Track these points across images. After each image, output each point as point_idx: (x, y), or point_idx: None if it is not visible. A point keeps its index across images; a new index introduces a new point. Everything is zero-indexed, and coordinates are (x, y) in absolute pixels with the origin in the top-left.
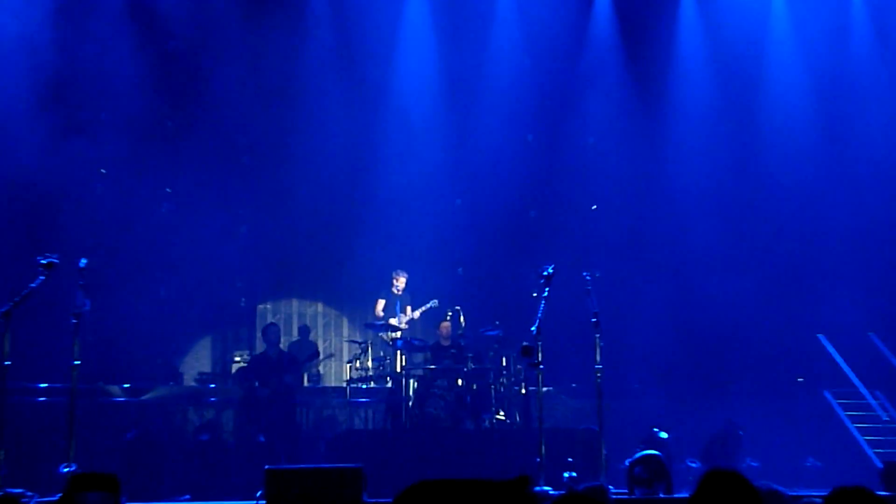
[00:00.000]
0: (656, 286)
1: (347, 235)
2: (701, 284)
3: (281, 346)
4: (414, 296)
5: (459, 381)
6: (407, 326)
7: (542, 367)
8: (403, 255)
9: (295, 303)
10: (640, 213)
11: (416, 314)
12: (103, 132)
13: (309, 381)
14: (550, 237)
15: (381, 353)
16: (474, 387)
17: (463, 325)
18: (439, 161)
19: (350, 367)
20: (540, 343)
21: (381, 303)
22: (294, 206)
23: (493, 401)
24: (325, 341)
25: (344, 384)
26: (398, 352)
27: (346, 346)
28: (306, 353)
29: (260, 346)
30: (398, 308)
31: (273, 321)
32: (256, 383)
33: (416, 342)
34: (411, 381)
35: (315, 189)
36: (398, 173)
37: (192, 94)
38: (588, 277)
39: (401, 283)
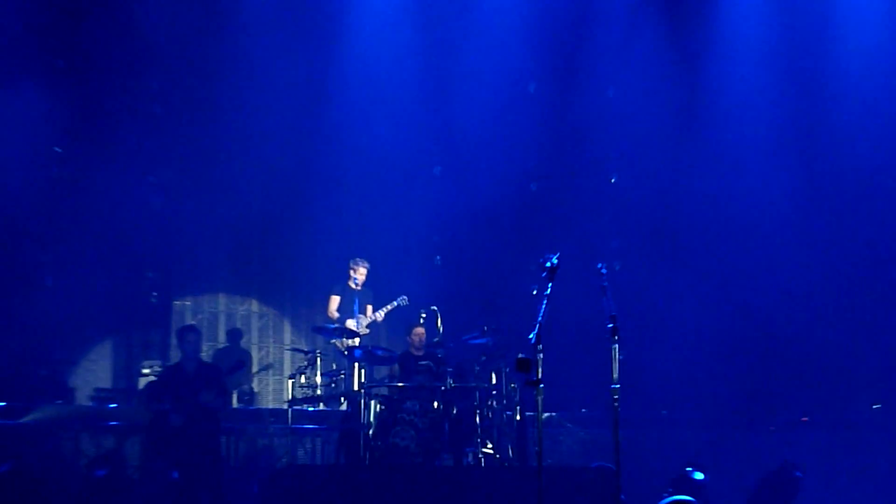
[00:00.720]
0: (691, 283)
1: (293, 213)
2: (748, 282)
3: (203, 355)
4: (377, 292)
5: (436, 404)
6: (368, 331)
7: (542, 385)
8: (364, 241)
9: (222, 299)
10: (671, 188)
11: (380, 315)
12: None
13: (239, 401)
14: (556, 218)
15: (334, 366)
16: (455, 411)
17: (441, 330)
18: (413, 118)
19: (293, 383)
20: (540, 355)
21: (335, 300)
22: (225, 174)
23: (479, 429)
24: (260, 349)
25: (285, 405)
26: (356, 364)
27: (287, 355)
28: (236, 364)
29: (176, 356)
30: (356, 307)
31: (193, 323)
32: (169, 404)
33: (380, 352)
34: (373, 402)
35: (253, 153)
36: (360, 134)
37: (86, 32)
38: (604, 271)
39: (360, 274)
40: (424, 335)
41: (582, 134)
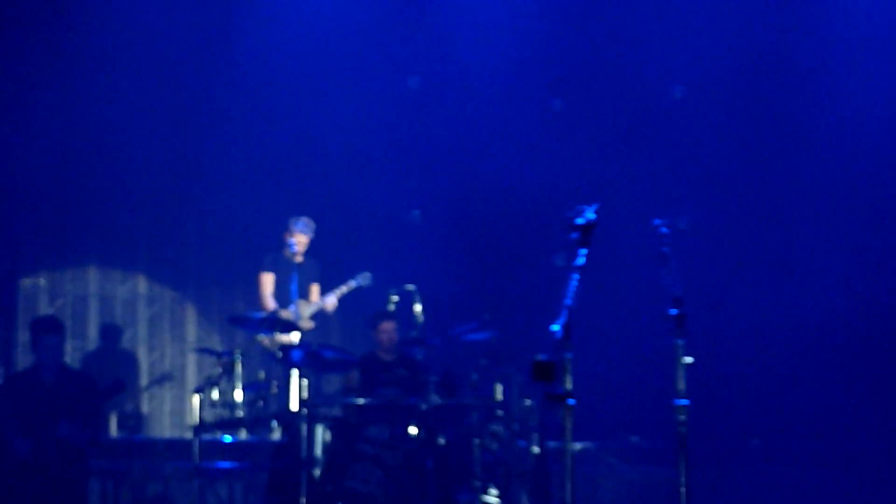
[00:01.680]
0: (793, 258)
1: (198, 150)
2: (876, 267)
3: (66, 359)
4: (327, 267)
5: (413, 430)
6: (312, 324)
7: (572, 401)
8: (308, 192)
9: (93, 275)
10: (761, 107)
11: (331, 301)
12: None
13: (120, 427)
14: (589, 153)
15: (262, 375)
16: (442, 440)
17: (420, 321)
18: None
19: (201, 400)
20: (569, 355)
21: (268, 280)
22: (100, 90)
23: (479, 468)
24: (151, 351)
25: (188, 434)
26: (294, 372)
27: (192, 360)
28: (113, 386)
29: (25, 358)
30: (295, 288)
31: (52, 313)
32: (12, 428)
33: (331, 354)
34: (319, 428)
35: (139, 56)
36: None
37: None
38: (664, 230)
39: (300, 241)
40: (395, 330)
41: (623, 21)
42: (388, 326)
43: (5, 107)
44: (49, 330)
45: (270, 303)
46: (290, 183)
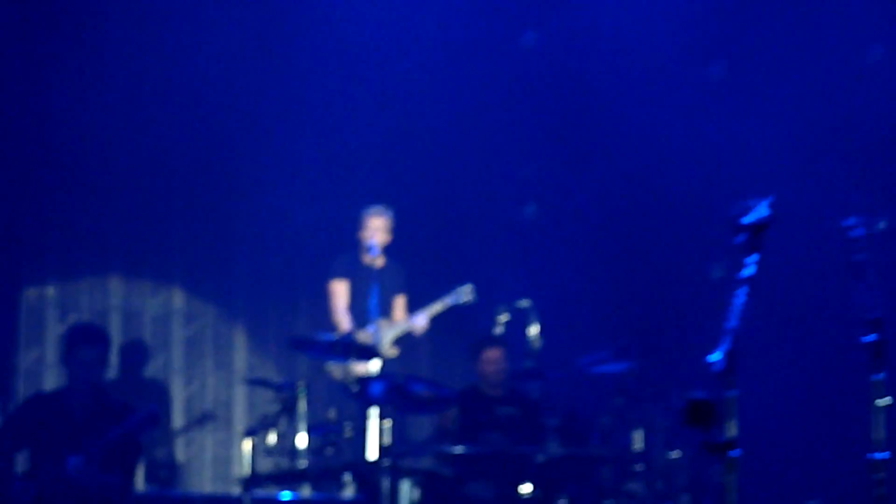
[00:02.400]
0: None
1: (247, 132)
2: None
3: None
4: (416, 278)
5: (526, 488)
6: (397, 351)
7: (735, 452)
8: (386, 182)
9: (116, 285)
10: None
11: (420, 322)
12: None
13: (149, 479)
14: (760, 133)
15: (332, 415)
16: (563, 503)
17: (536, 347)
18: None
19: (253, 445)
20: (734, 393)
21: (341, 289)
22: (129, 74)
23: None
24: (189, 382)
25: (237, 490)
26: (372, 411)
27: (241, 394)
28: (147, 416)
29: (27, 387)
30: (375, 303)
31: (61, 330)
32: (24, 463)
33: (421, 388)
34: (406, 485)
35: (181, 40)
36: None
37: None
38: (858, 233)
39: (379, 235)
40: (504, 359)
41: None
42: (493, 355)
43: (21, 93)
44: (87, 340)
45: (344, 320)
46: (364, 172)
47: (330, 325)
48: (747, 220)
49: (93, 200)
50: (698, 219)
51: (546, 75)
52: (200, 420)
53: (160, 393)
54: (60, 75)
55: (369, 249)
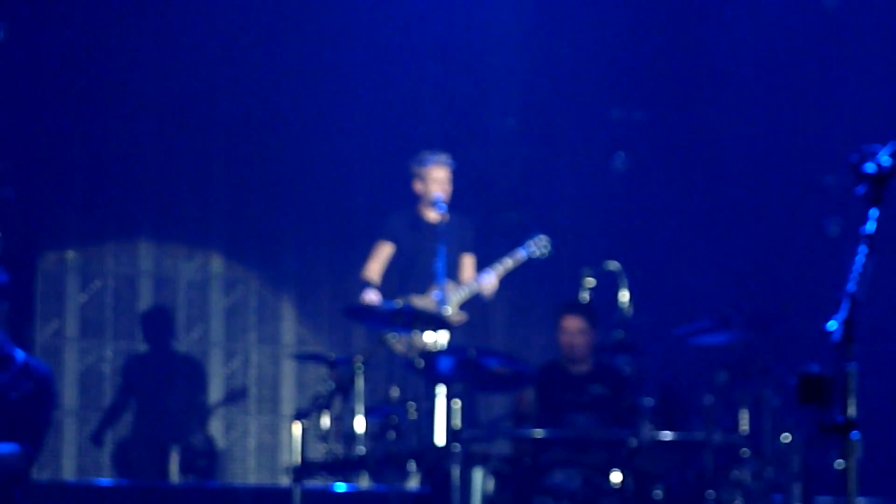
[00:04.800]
0: None
1: (292, 89)
2: None
3: (105, 365)
4: (487, 233)
5: (617, 477)
6: (465, 317)
7: (855, 434)
8: (450, 127)
9: (146, 249)
10: None
11: (490, 282)
12: None
13: (184, 469)
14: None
15: (394, 395)
16: (660, 493)
17: (628, 315)
18: None
19: (303, 430)
20: (853, 367)
21: (384, 251)
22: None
23: None
24: (230, 355)
25: (286, 480)
26: (440, 389)
27: (290, 369)
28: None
29: (73, 352)
30: (441, 264)
31: (84, 298)
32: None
33: (495, 362)
34: (479, 473)
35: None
36: None
37: None
38: None
39: (439, 185)
40: (587, 331)
41: None
42: (575, 325)
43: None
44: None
45: (374, 277)
46: (424, 118)
47: (389, 292)
48: (868, 169)
49: (119, 156)
50: (813, 168)
51: (641, 10)
52: (236, 398)
53: (196, 369)
54: (87, 33)
55: (435, 204)
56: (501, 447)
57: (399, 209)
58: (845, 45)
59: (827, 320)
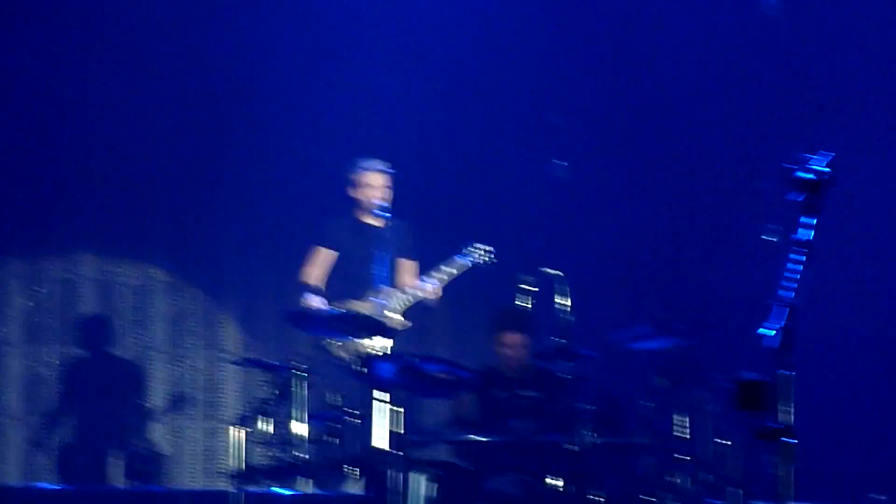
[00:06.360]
0: None
1: (232, 91)
2: None
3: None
4: (427, 241)
5: (557, 482)
6: (407, 324)
7: (792, 441)
8: (391, 129)
9: (89, 255)
10: None
11: (432, 289)
12: None
13: (128, 474)
14: (819, 77)
15: (334, 401)
16: (601, 499)
17: (568, 318)
18: None
19: (245, 436)
20: (791, 374)
21: (323, 258)
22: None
23: None
24: (174, 361)
25: (226, 485)
26: (380, 396)
27: (232, 375)
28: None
29: (18, 359)
30: (381, 270)
31: (30, 304)
32: None
33: (434, 367)
34: (419, 478)
35: None
36: None
37: None
38: None
39: (376, 190)
40: (526, 344)
41: None
42: (513, 340)
43: None
44: None
45: (314, 278)
46: (365, 124)
47: (330, 298)
48: (804, 175)
49: (62, 162)
50: (750, 174)
51: (582, 15)
52: (178, 404)
53: (138, 374)
54: (26, 39)
55: (373, 210)
56: (442, 452)
57: (337, 214)
58: (782, 50)
59: (764, 327)
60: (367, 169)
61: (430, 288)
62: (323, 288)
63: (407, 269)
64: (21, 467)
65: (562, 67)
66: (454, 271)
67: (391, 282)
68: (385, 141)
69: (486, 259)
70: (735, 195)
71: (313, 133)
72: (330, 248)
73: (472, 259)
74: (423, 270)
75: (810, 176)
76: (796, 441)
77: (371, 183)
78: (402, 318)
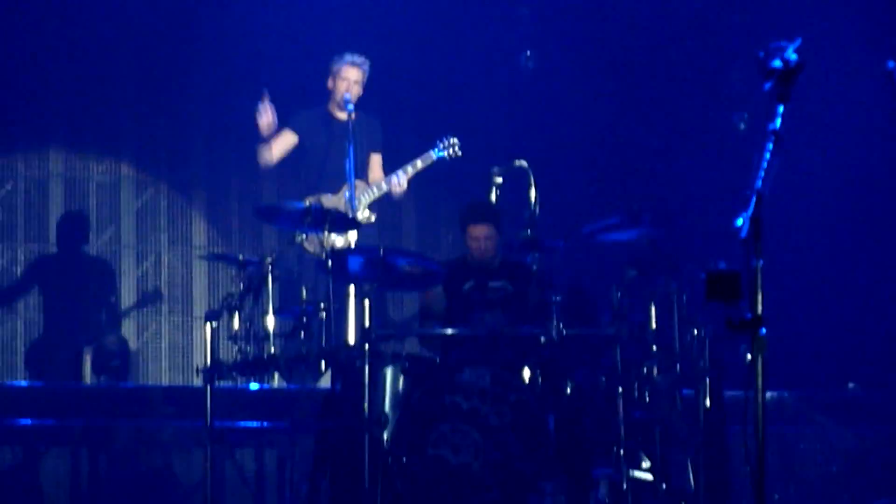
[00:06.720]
0: None
1: None
2: None
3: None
4: (393, 132)
5: (526, 373)
6: (373, 217)
7: (762, 330)
8: (362, 25)
9: (56, 153)
10: None
11: (399, 181)
12: None
13: (96, 370)
14: None
15: (304, 294)
16: (569, 389)
17: (536, 212)
18: None
19: (213, 330)
20: (760, 263)
21: (286, 137)
22: None
23: (623, 428)
24: (141, 257)
25: (196, 380)
26: (350, 289)
27: (200, 269)
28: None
29: None
30: (351, 164)
31: None
32: None
33: (403, 261)
34: (389, 371)
35: None
36: None
37: None
38: None
39: (353, 84)
40: (494, 235)
41: None
42: (480, 232)
43: None
44: None
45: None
46: (337, 17)
47: (299, 192)
48: (775, 64)
49: (29, 60)
50: (720, 62)
51: None
52: (150, 300)
53: (107, 270)
54: None
55: (344, 104)
56: (411, 346)
57: (307, 107)
58: None
59: (734, 217)
60: (343, 62)
61: (396, 182)
62: (275, 161)
63: (374, 162)
64: None
65: None
66: (421, 165)
67: (360, 175)
68: (357, 35)
69: (452, 152)
70: (705, 83)
71: (288, 26)
72: (295, 132)
73: (438, 152)
74: (389, 163)
75: (780, 65)
76: (765, 331)
77: (347, 77)
78: (369, 213)
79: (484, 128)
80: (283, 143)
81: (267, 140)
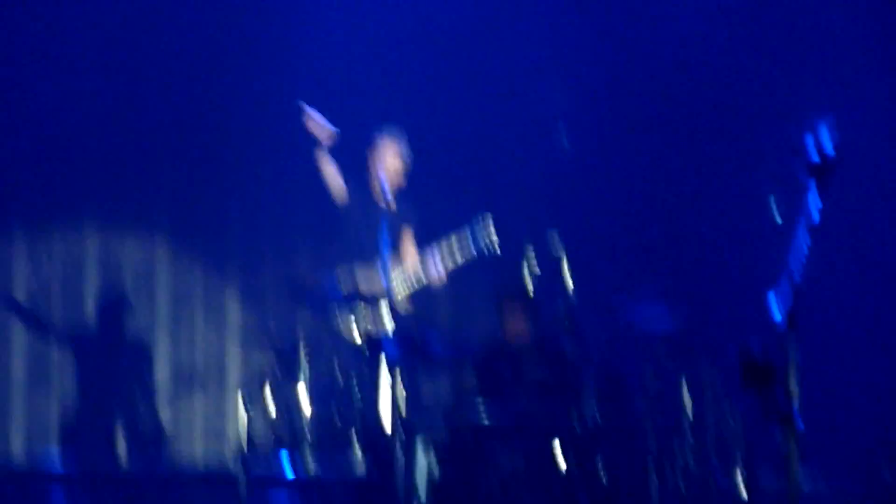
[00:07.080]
0: None
1: (238, 59)
2: None
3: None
4: (427, 207)
5: (561, 460)
6: (410, 309)
7: (799, 424)
8: (397, 99)
9: (91, 234)
10: None
11: (438, 277)
12: None
13: (132, 450)
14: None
15: (338, 377)
16: (604, 477)
17: (570, 293)
18: None
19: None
20: (796, 356)
21: (334, 178)
22: None
23: None
24: (175, 339)
25: (232, 463)
26: (385, 372)
27: (235, 351)
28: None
29: (21, 339)
30: (386, 245)
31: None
32: None
33: (441, 345)
34: (420, 452)
35: None
36: None
37: None
38: None
39: (391, 166)
40: (528, 318)
41: None
42: (516, 320)
43: None
44: None
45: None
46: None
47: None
48: (813, 157)
49: (64, 143)
50: (756, 149)
51: None
52: (183, 381)
53: (142, 352)
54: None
55: (382, 189)
56: (445, 431)
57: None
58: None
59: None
60: (381, 146)
61: (436, 275)
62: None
63: (406, 236)
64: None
65: (560, 34)
66: (460, 258)
67: (394, 249)
68: (394, 112)
69: (489, 244)
70: (745, 167)
71: (319, 102)
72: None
73: (477, 244)
74: (421, 238)
75: (818, 159)
76: (800, 423)
77: (376, 152)
78: (405, 290)
79: (519, 208)
80: (332, 177)
81: (325, 146)
